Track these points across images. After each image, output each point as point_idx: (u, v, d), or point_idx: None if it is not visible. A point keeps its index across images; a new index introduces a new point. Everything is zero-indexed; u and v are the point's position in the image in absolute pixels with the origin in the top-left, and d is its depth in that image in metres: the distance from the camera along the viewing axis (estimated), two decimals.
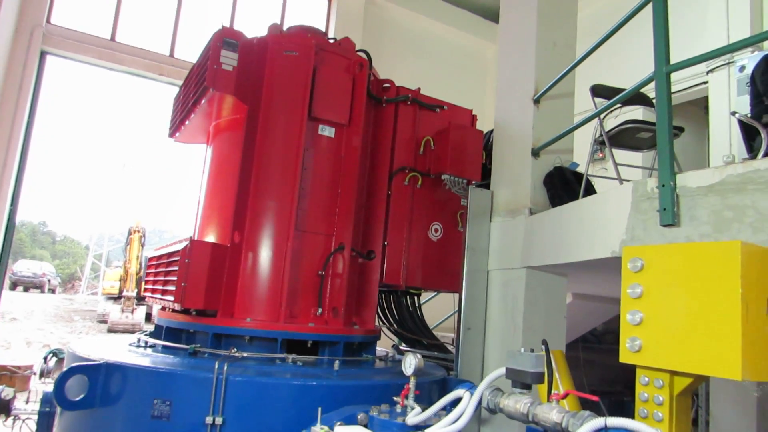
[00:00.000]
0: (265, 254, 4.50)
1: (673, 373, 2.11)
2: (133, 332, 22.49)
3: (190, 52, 10.39)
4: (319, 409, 3.44)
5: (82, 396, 3.71)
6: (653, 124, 4.58)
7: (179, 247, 4.27)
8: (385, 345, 5.76)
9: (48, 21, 9.10)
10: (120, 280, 26.28)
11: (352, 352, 4.65)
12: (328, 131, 4.89)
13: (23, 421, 4.79)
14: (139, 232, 24.44)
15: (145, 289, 5.38)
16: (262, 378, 3.67)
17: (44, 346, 16.71)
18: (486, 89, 13.44)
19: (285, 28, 5.17)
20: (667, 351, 2.06)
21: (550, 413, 2.26)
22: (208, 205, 5.06)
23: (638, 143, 5.74)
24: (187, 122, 5.25)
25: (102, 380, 3.77)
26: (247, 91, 4.66)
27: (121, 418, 3.69)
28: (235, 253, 4.47)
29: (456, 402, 2.77)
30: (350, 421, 3.37)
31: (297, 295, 4.51)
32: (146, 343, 4.61)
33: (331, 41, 5.10)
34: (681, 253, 2.09)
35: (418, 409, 2.95)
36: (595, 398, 2.25)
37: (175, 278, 4.23)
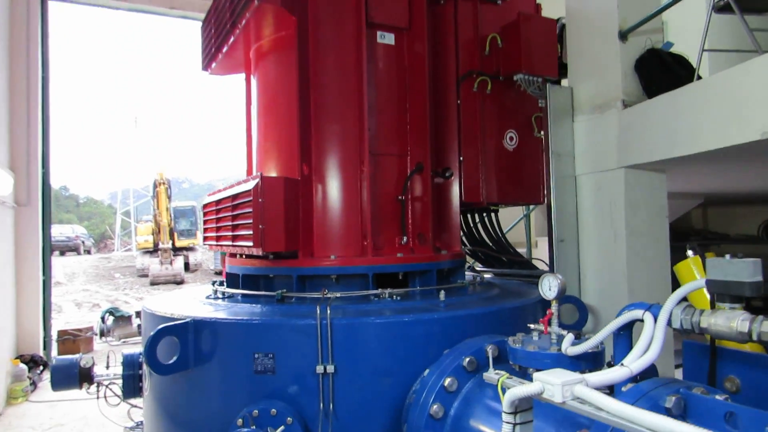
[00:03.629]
0: (340, 184, 4.05)
1: None
2: (175, 282, 22.83)
3: None
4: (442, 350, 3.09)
5: (174, 358, 3.41)
6: None
7: (247, 186, 3.83)
8: None
9: None
10: (152, 234, 26.41)
11: (441, 280, 4.28)
12: (387, 38, 4.29)
13: (107, 386, 4.60)
14: (164, 184, 24.24)
15: (206, 238, 5.01)
16: (370, 318, 3.31)
17: (94, 306, 16.93)
18: None
19: None
20: None
21: None
22: (262, 141, 4.56)
23: None
24: (225, 48, 4.68)
25: (193, 339, 3.46)
26: (293, 0, 4.05)
27: (221, 376, 3.40)
28: (307, 187, 4.02)
29: (626, 326, 2.36)
30: (479, 355, 3.01)
31: (379, 226, 4.09)
32: (223, 294, 4.28)
33: None
34: None
35: (570, 336, 2.56)
36: None
37: (247, 221, 3.82)
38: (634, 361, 1.94)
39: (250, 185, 3.77)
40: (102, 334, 9.78)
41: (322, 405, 3.18)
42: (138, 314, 10.21)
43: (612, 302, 4.50)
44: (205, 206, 5.03)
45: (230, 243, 4.21)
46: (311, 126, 4.06)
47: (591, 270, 4.69)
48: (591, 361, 2.55)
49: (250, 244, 3.76)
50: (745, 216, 11.60)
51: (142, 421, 4.68)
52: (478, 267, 5.94)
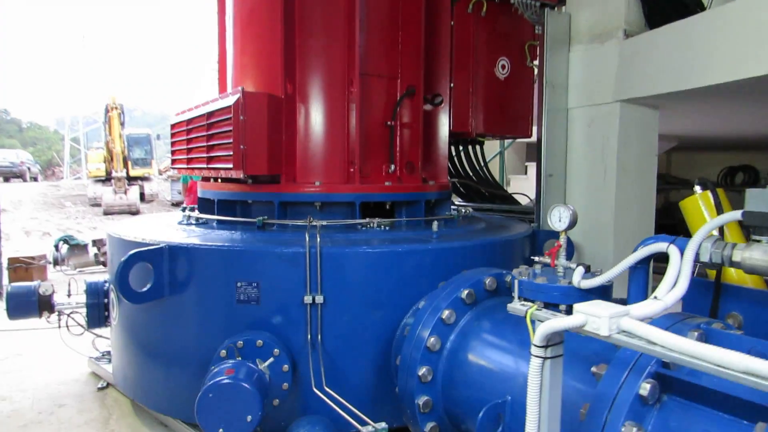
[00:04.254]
0: (326, 105, 3.75)
1: None
2: (130, 213, 22.04)
3: None
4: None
5: (148, 286, 3.16)
6: None
7: (226, 102, 3.49)
8: None
9: None
10: (105, 162, 25.21)
11: (428, 211, 4.11)
12: None
13: (68, 315, 4.32)
14: (117, 108, 22.92)
15: (175, 162, 4.65)
16: (362, 248, 3.12)
17: (44, 234, 16.21)
18: None
19: None
20: None
21: None
22: (239, 55, 4.15)
23: None
24: None
25: (168, 266, 3.21)
26: None
27: (199, 306, 3.19)
28: (290, 107, 3.71)
29: (644, 261, 2.24)
30: (477, 287, 2.89)
31: (365, 152, 3.84)
32: (197, 219, 4.00)
33: None
34: None
35: (581, 268, 2.43)
36: None
37: (225, 141, 3.50)
38: (665, 295, 1.82)
39: (230, 101, 3.43)
40: (56, 262, 9.30)
41: (309, 336, 3.02)
42: (95, 243, 9.76)
43: (597, 239, 4.45)
44: (173, 126, 4.64)
45: (204, 166, 3.89)
46: (296, 39, 3.71)
47: (577, 206, 4.51)
48: (601, 296, 2.45)
49: (229, 166, 3.46)
50: (707, 162, 11.83)
51: (108, 352, 4.46)
52: (458, 201, 5.81)
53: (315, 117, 3.76)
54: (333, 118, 3.75)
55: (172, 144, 4.72)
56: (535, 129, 4.94)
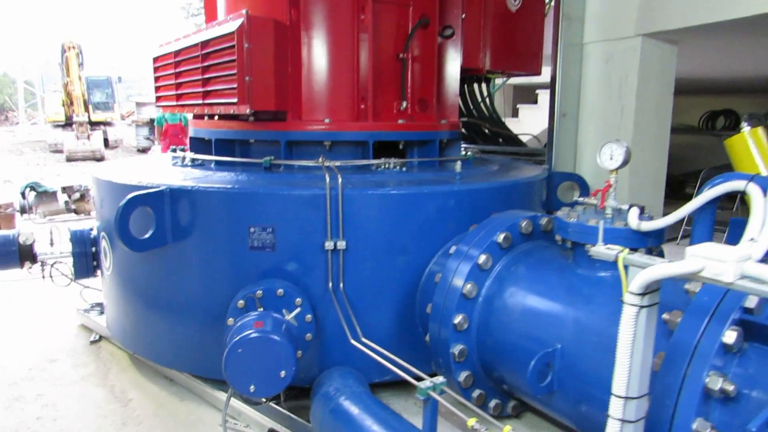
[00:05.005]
0: (334, 34, 3.41)
1: None
2: (94, 159, 21.09)
3: None
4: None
5: (150, 233, 2.88)
6: None
7: (227, 29, 3.11)
8: None
9: None
10: (63, 105, 23.88)
11: (440, 152, 3.87)
12: None
13: (52, 266, 4.00)
14: (74, 48, 21.47)
15: (160, 98, 4.26)
16: (385, 189, 2.88)
17: (5, 182, 15.38)
18: None
19: None
20: None
21: None
22: None
23: None
24: None
25: (170, 211, 2.92)
26: None
27: (207, 254, 2.93)
28: (295, 36, 3.36)
29: (714, 201, 2.07)
30: (513, 230, 2.70)
31: (375, 88, 3.54)
32: (193, 160, 3.68)
33: None
34: None
35: (636, 209, 2.27)
36: None
37: (227, 73, 3.15)
38: (758, 236, 1.66)
39: (232, 26, 3.06)
40: (23, 210, 8.79)
41: (330, 284, 2.82)
42: (64, 190, 9.23)
43: None
44: (156, 60, 4.22)
45: (200, 102, 3.54)
46: None
47: (590, 147, 4.43)
48: (657, 238, 2.30)
49: (233, 101, 3.13)
50: (688, 106, 11.79)
51: (98, 303, 4.19)
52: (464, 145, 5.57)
53: (322, 48, 3.42)
54: (342, 50, 3.42)
55: (156, 80, 4.31)
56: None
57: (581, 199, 2.57)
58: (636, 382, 1.54)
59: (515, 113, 9.59)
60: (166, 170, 3.51)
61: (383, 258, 2.89)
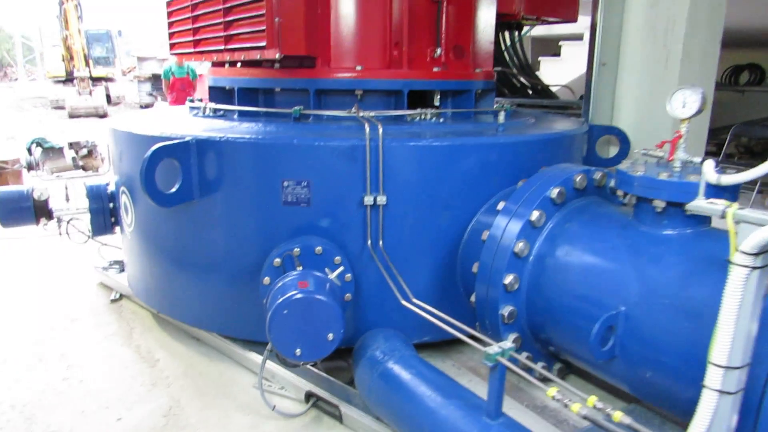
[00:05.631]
0: None
1: None
2: (97, 116, 20.75)
3: None
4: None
5: (177, 187, 2.70)
6: None
7: None
8: None
9: None
10: (63, 61, 23.34)
11: (474, 102, 3.65)
12: None
13: (68, 222, 3.85)
14: (73, 0, 20.83)
15: (175, 45, 4.01)
16: (428, 141, 2.69)
17: (9, 138, 15.13)
18: None
19: None
20: None
21: None
22: None
23: None
24: None
25: (197, 164, 2.74)
26: None
27: (237, 209, 2.76)
28: None
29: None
30: (567, 185, 2.52)
31: (411, 33, 3.29)
32: (214, 110, 3.46)
33: None
34: None
35: (711, 161, 2.07)
36: None
37: (254, 15, 2.91)
38: None
39: None
40: (30, 167, 8.61)
41: (369, 242, 2.65)
42: (71, 145, 9.02)
43: (650, 134, 4.06)
44: (170, 4, 3.96)
45: (221, 47, 3.31)
46: None
47: (630, 98, 4.18)
48: (733, 194, 2.11)
49: (260, 44, 2.89)
50: None
51: (117, 261, 4.06)
52: None
53: None
54: None
55: (170, 25, 4.05)
56: None
57: (646, 150, 2.37)
58: (740, 350, 1.39)
59: (536, 67, 9.25)
60: (187, 121, 3.30)
61: (424, 214, 2.72)
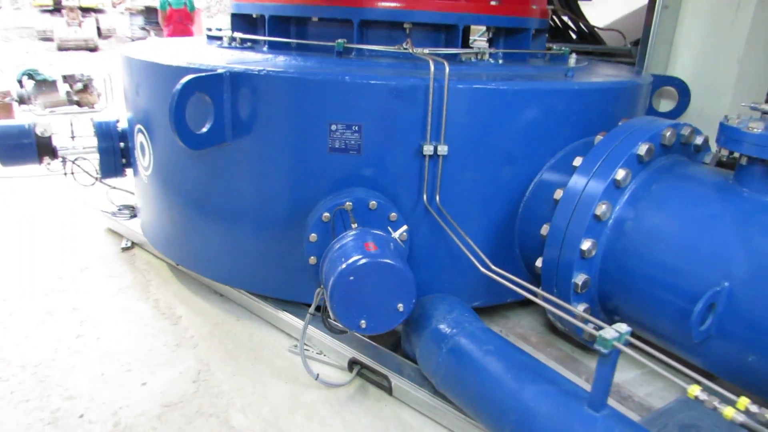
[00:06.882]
0: None
1: None
2: (87, 49, 19.86)
3: None
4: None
5: (207, 127, 2.37)
6: None
7: None
8: None
9: None
10: None
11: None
12: None
13: (74, 162, 3.51)
14: None
15: None
16: (496, 83, 2.35)
17: None
18: None
19: None
20: None
21: None
22: None
23: None
24: None
25: (230, 101, 2.39)
26: None
27: (274, 155, 2.43)
28: None
29: None
30: (655, 141, 2.21)
31: None
32: (242, 41, 3.07)
33: None
34: None
35: None
36: None
37: None
38: None
39: None
40: (21, 100, 8.10)
41: (425, 196, 2.36)
42: (66, 79, 8.47)
43: (710, 87, 3.73)
44: None
45: None
46: None
47: (690, 46, 3.81)
48: None
49: None
50: None
51: (128, 206, 3.74)
52: None
53: None
54: None
55: None
56: None
57: (754, 104, 2.06)
58: None
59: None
60: (210, 52, 2.92)
61: (485, 167, 2.43)
